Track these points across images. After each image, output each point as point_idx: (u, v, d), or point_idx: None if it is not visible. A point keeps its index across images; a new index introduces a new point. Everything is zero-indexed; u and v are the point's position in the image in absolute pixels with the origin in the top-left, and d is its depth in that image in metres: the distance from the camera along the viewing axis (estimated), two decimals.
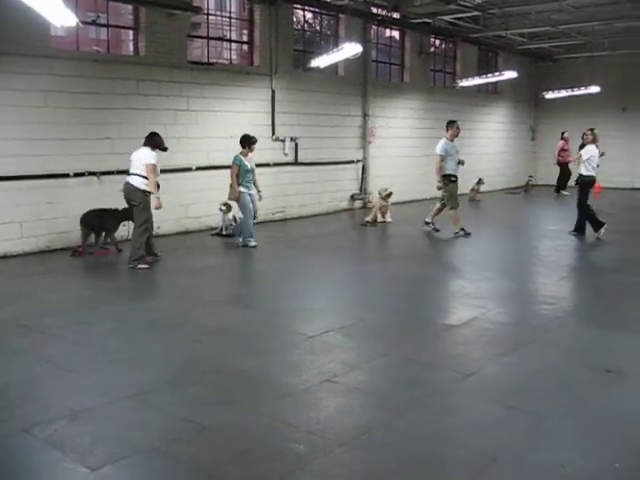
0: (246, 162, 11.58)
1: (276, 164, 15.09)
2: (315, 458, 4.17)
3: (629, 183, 22.56)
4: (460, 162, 13.39)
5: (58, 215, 11.33)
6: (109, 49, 12.84)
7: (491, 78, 20.37)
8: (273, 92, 14.83)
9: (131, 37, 13.28)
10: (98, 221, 10.91)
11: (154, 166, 9.86)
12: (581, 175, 12.62)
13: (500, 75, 20.00)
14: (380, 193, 14.88)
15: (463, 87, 20.36)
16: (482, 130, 22.21)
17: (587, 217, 12.64)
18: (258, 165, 14.48)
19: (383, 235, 14.11)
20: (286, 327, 7.22)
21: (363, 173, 17.56)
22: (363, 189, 17.61)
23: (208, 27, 14.46)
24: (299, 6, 15.84)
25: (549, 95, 22.36)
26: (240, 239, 11.92)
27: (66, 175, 11.41)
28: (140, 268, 9.85)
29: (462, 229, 12.93)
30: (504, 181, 23.53)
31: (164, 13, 12.55)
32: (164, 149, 10.25)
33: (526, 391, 5.33)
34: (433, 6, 16.58)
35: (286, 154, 15.34)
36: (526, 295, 8.92)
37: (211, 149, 13.68)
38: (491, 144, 22.73)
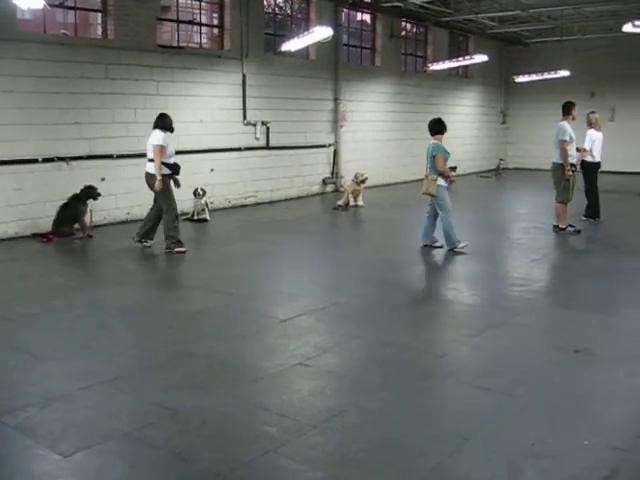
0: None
1: (247, 148, 15.03)
2: (288, 441, 4.19)
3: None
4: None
5: (27, 201, 11.18)
6: (77, 32, 12.64)
7: (462, 62, 20.40)
8: (244, 76, 14.74)
9: (99, 20, 13.09)
10: (69, 212, 10.90)
11: (160, 147, 9.60)
12: (585, 162, 12.55)
13: (471, 59, 20.03)
14: (356, 177, 14.88)
15: (434, 71, 20.41)
16: (453, 114, 22.23)
17: (594, 200, 12.71)
18: (229, 149, 14.51)
19: (355, 219, 14.14)
20: (259, 311, 7.22)
21: (335, 157, 17.55)
22: (335, 173, 17.61)
23: (178, 10, 14.31)
24: None
25: (519, 79, 22.47)
26: None
27: (35, 161, 11.24)
28: (177, 251, 9.79)
29: (571, 225, 11.62)
30: (475, 165, 23.67)
31: None
32: (171, 130, 10.00)
33: (497, 372, 5.39)
34: None
35: (257, 138, 15.28)
36: (497, 277, 9.01)
37: (182, 134, 13.51)
38: (462, 128, 22.80)
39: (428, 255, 10.13)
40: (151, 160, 9.71)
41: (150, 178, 9.79)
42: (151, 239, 10.17)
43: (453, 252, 9.91)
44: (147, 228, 10.18)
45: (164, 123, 9.88)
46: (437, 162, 9.87)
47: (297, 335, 6.29)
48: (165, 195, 9.80)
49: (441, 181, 9.95)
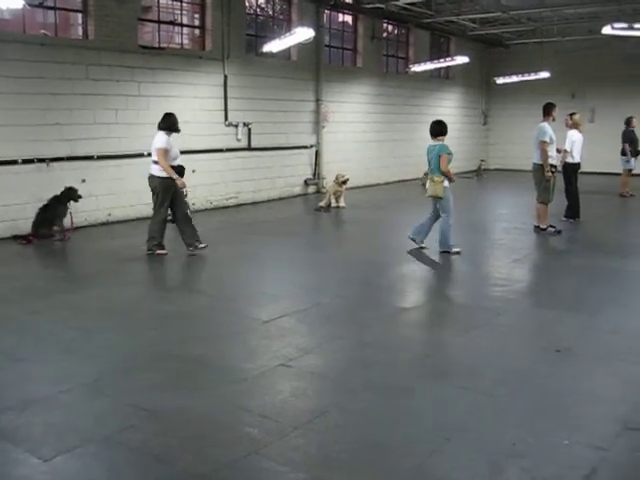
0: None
1: (229, 149, 15.00)
2: (270, 442, 4.18)
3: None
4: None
5: (7, 203, 11.08)
6: (57, 33, 12.56)
7: (443, 63, 20.51)
8: (225, 77, 14.71)
9: (80, 20, 13.00)
10: (49, 213, 10.83)
11: (164, 150, 9.50)
12: (566, 162, 12.62)
13: (452, 60, 20.14)
14: (337, 178, 14.89)
15: (416, 72, 20.47)
16: (435, 115, 22.05)
17: (574, 200, 12.81)
18: (210, 150, 14.47)
19: (337, 220, 14.15)
20: (241, 312, 7.20)
21: (316, 158, 17.55)
22: (317, 174, 17.62)
23: (159, 11, 14.26)
24: None
25: (500, 80, 22.61)
26: None
27: (14, 162, 11.14)
28: (158, 253, 9.72)
29: (552, 225, 11.72)
30: (457, 166, 23.46)
31: None
32: (176, 130, 9.86)
33: (479, 372, 5.40)
34: None
35: (239, 139, 15.24)
36: (479, 278, 9.04)
37: None
38: None
39: (410, 256, 10.16)
40: (156, 162, 9.60)
41: (153, 180, 9.67)
42: (199, 241, 9.94)
43: (440, 253, 9.93)
44: (186, 234, 9.94)
45: (169, 124, 9.75)
46: (442, 163, 9.80)
47: (279, 336, 6.28)
48: (163, 197, 9.66)
49: (445, 182, 9.90)
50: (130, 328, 6.58)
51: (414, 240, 10.20)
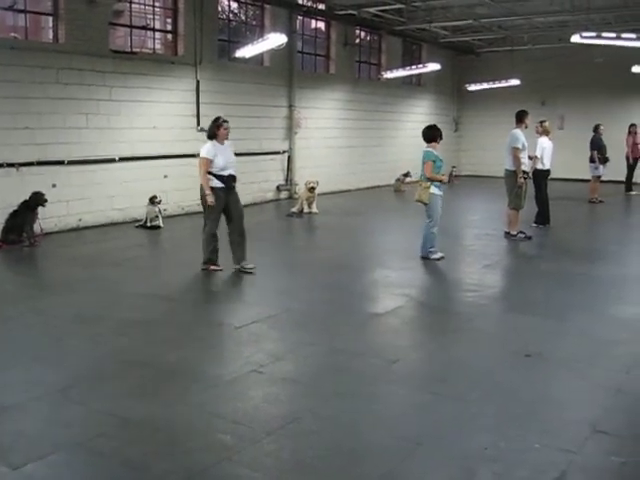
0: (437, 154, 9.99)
1: None
2: (243, 448, 4.17)
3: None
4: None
5: None
6: (27, 36, 12.46)
7: (415, 70, 20.65)
8: (198, 82, 14.67)
9: (51, 24, 12.90)
10: (19, 219, 10.73)
11: (204, 160, 8.78)
12: (536, 169, 12.73)
13: (424, 67, 20.28)
14: (306, 184, 14.91)
15: (388, 79, 20.54)
16: (407, 122, 22.44)
17: (544, 207, 12.96)
18: (182, 156, 14.40)
19: (309, 226, 14.16)
20: (212, 318, 7.19)
21: (289, 164, 17.56)
22: (289, 180, 17.62)
23: (131, 15, 14.18)
24: None
25: (471, 87, 22.83)
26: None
27: None
28: (211, 269, 9.00)
29: (522, 232, 11.76)
30: None
31: None
32: (214, 137, 8.96)
33: (449, 377, 5.44)
34: None
35: None
36: (451, 283, 9.11)
37: (135, 140, 13.44)
38: (416, 135, 22.62)
39: (382, 261, 10.19)
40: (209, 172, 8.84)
41: (201, 191, 9.00)
42: (245, 261, 9.02)
43: (403, 258, 9.98)
44: (237, 252, 9.08)
45: (211, 131, 9.03)
46: (426, 169, 9.75)
47: (251, 342, 6.27)
48: (208, 210, 8.94)
49: (435, 189, 9.78)
50: (100, 335, 6.51)
51: (427, 257, 9.90)
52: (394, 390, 5.22)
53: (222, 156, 8.88)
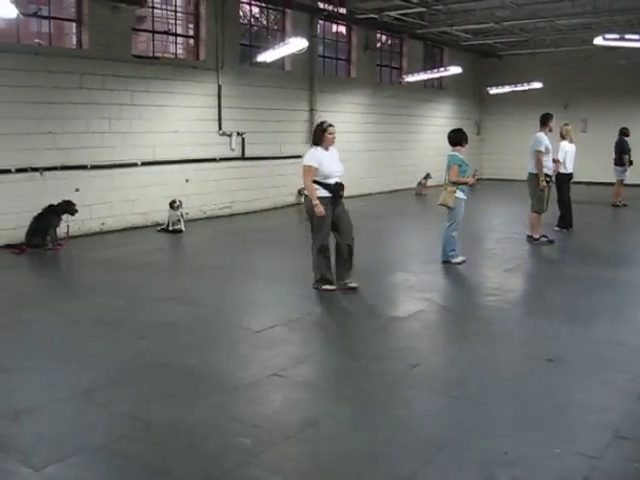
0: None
1: (223, 159, 15.00)
2: (262, 452, 4.18)
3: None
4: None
5: (0, 212, 11.08)
6: (51, 42, 12.59)
7: (436, 74, 20.61)
8: (219, 87, 14.73)
9: (74, 30, 13.03)
10: (43, 223, 10.82)
11: (309, 168, 8.10)
12: (558, 173, 12.61)
13: (445, 71, 20.22)
14: None
15: (409, 82, 20.53)
16: (428, 125, 22.40)
17: (567, 210, 12.89)
18: (204, 160, 14.48)
19: None
20: (233, 322, 7.20)
21: None
22: None
23: (153, 21, 14.28)
24: (245, 0, 15.78)
25: (493, 91, 22.72)
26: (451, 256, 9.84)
27: (8, 171, 11.14)
28: (324, 289, 8.20)
29: (544, 235, 11.70)
30: None
31: (108, 6, 12.34)
32: (316, 143, 8.33)
33: (470, 381, 5.42)
34: (379, 2, 16.77)
35: (233, 149, 15.26)
36: (471, 287, 9.07)
37: (157, 144, 13.53)
38: (437, 139, 22.71)
39: (403, 265, 10.17)
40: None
41: (305, 202, 8.46)
42: (350, 278, 8.38)
43: (424, 262, 9.94)
44: (342, 267, 8.43)
45: (319, 137, 8.33)
46: (451, 174, 9.70)
47: (271, 346, 6.28)
48: (315, 221, 8.18)
49: (460, 194, 9.73)
50: (121, 338, 6.56)
51: (449, 261, 9.82)
52: (414, 394, 5.21)
53: (327, 163, 8.22)
